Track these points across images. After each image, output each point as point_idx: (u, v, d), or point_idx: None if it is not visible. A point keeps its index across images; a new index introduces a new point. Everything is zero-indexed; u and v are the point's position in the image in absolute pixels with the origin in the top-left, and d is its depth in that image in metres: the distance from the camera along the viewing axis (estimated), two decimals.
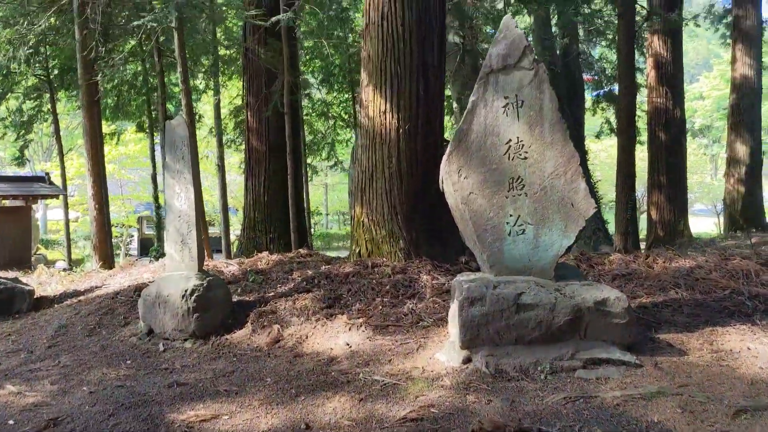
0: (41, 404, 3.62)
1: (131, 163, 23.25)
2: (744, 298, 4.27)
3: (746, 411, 2.83)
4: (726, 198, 14.70)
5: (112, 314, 5.76)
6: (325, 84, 12.76)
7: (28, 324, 5.95)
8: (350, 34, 12.65)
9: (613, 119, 15.64)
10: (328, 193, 35.72)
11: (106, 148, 16.23)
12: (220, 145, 14.85)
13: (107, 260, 9.66)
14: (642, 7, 12.77)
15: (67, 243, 14.25)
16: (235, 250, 13.27)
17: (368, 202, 5.98)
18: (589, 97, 16.74)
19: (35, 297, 6.75)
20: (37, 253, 19.49)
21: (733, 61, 14.02)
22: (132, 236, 27.29)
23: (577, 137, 13.46)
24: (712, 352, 3.59)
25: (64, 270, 10.39)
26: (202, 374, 4.05)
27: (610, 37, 14.55)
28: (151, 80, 12.54)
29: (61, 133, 15.44)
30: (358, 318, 4.64)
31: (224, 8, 9.34)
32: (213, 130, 14.83)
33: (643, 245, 13.12)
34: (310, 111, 14.36)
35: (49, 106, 14.41)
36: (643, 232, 15.85)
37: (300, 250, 7.15)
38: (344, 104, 14.36)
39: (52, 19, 9.59)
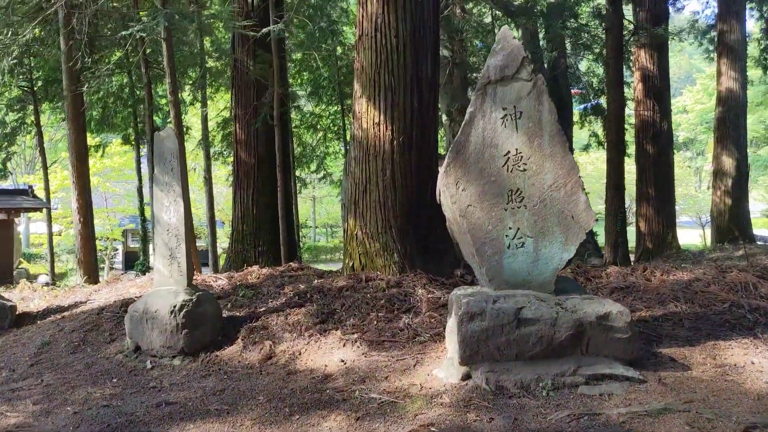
0: (23, 425, 3.48)
1: (116, 176, 22.97)
2: (744, 311, 4.23)
3: (756, 427, 2.77)
4: (713, 210, 14.80)
5: (97, 331, 5.59)
6: (314, 96, 12.70)
7: (10, 341, 5.76)
8: (338, 47, 12.64)
9: (600, 132, 15.73)
10: (316, 205, 35.59)
11: (91, 161, 16.01)
12: (208, 157, 14.69)
13: (92, 275, 9.45)
14: (629, 21, 12.90)
15: (51, 257, 13.97)
16: (222, 263, 13.11)
17: (362, 215, 5.89)
18: (576, 110, 16.85)
19: (17, 313, 6.56)
20: (19, 267, 19.14)
21: (719, 74, 14.18)
22: (117, 250, 26.93)
23: None
24: (715, 367, 3.53)
25: (47, 285, 10.16)
26: (191, 393, 3.92)
27: (597, 50, 14.67)
28: (138, 92, 12.40)
29: (45, 146, 15.19)
30: (353, 333, 4.53)
31: (213, 19, 9.24)
32: (200, 142, 14.69)
33: (631, 257, 13.15)
34: (299, 123, 14.29)
35: (32, 117, 14.19)
36: (630, 244, 15.90)
37: (291, 263, 7.03)
38: (333, 117, 14.31)
39: (37, 30, 9.45)
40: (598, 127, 16.13)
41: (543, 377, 3.51)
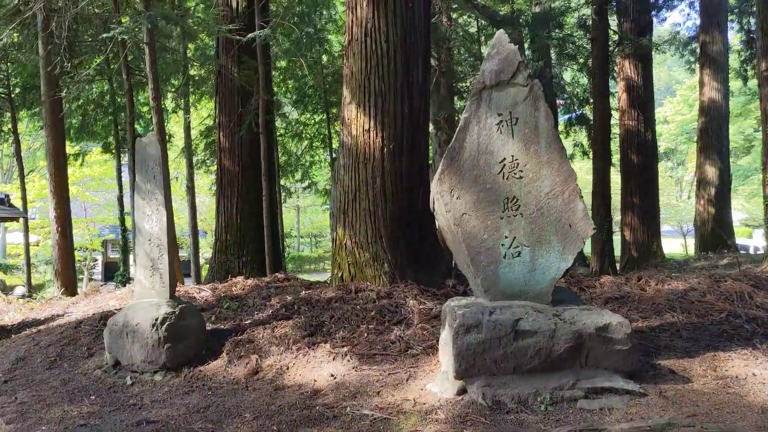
0: None
1: (96, 185, 22.57)
2: (741, 321, 4.16)
3: None
4: (696, 219, 14.90)
5: (74, 345, 5.37)
6: (299, 104, 12.57)
7: None
8: (324, 55, 12.54)
9: (585, 142, 15.80)
10: (300, 215, 35.37)
11: (70, 170, 15.67)
12: (190, 166, 14.47)
13: (70, 286, 9.18)
14: (614, 31, 12.99)
15: (27, 268, 13.61)
16: (205, 274, 12.85)
17: (351, 224, 5.74)
18: (560, 120, 16.92)
19: None
20: None
21: (701, 85, 14.33)
22: (96, 260, 26.43)
23: None
24: (716, 379, 3.44)
25: (24, 297, 9.85)
26: (173, 410, 3.74)
27: (582, 61, 14.76)
28: (119, 99, 12.17)
29: (23, 154, 14.86)
30: (343, 347, 4.38)
31: (198, 23, 9.07)
32: (183, 150, 14.46)
33: (617, 267, 13.15)
34: (284, 132, 14.14)
35: (10, 125, 13.86)
36: (615, 253, 15.94)
37: (277, 274, 6.85)
38: (318, 125, 14.19)
39: (15, 35, 9.21)
40: (582, 136, 16.20)
41: (541, 391, 3.39)
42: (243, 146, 9.41)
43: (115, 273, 13.13)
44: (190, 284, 10.47)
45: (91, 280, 23.91)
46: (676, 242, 28.20)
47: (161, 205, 4.71)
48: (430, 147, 13.48)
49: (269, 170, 8.88)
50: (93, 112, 13.09)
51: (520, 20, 13.33)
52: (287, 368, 4.25)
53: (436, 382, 3.73)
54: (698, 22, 16.82)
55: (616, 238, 14.66)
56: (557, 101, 16.64)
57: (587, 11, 13.52)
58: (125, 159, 13.12)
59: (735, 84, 17.95)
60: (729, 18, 15.41)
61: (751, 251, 20.53)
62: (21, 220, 13.94)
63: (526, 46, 15.13)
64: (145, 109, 14.06)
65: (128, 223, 11.86)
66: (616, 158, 14.37)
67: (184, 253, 21.94)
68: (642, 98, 13.23)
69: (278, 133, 13.08)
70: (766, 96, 13.46)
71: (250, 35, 7.71)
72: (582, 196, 3.62)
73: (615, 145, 14.47)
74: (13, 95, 13.26)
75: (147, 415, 3.66)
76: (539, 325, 3.45)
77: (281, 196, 13.22)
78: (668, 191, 31.79)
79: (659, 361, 3.73)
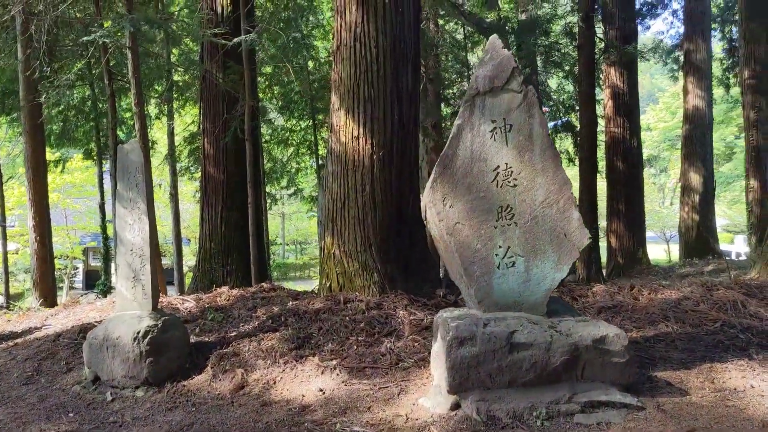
0: None
1: (77, 192, 22.22)
2: (736, 330, 4.11)
3: None
4: (681, 225, 15.00)
5: (52, 359, 5.18)
6: (285, 111, 12.43)
7: None
8: (310, 62, 12.43)
9: (571, 149, 15.84)
10: (285, 222, 35.14)
11: (51, 177, 15.39)
12: (174, 173, 14.25)
13: (49, 297, 8.93)
14: (600, 38, 13.05)
15: (5, 278, 13.26)
16: (188, 281, 12.62)
17: (339, 233, 5.62)
18: None
19: None
20: None
21: (685, 93, 14.45)
22: (77, 268, 26.02)
23: None
24: (714, 391, 3.37)
25: (1, 308, 9.58)
26: (156, 428, 3.60)
27: (567, 68, 14.80)
28: (101, 105, 11.94)
29: (2, 161, 14.54)
30: (332, 360, 4.26)
31: (183, 28, 8.91)
32: (166, 157, 14.24)
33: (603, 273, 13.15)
34: (269, 138, 13.99)
35: None
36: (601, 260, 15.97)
37: (263, 284, 6.70)
38: (304, 132, 14.06)
39: None
40: (568, 143, 16.24)
41: (537, 405, 3.30)
42: (228, 153, 9.25)
43: (97, 282, 12.86)
44: (173, 292, 10.27)
45: (71, 288, 23.50)
46: (659, 248, 28.43)
47: (143, 213, 4.56)
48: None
49: (255, 177, 8.73)
50: (74, 118, 12.83)
51: (507, 27, 13.34)
52: (274, 383, 4.11)
53: (429, 396, 3.62)
54: (681, 30, 17.02)
55: (602, 245, 14.68)
56: (543, 108, 16.69)
57: (573, 19, 13.58)
58: (107, 166, 12.89)
59: (717, 92, 18.16)
60: (712, 27, 15.58)
61: (734, 257, 20.72)
62: None
63: (512, 53, 15.17)
64: (128, 115, 13.84)
65: (110, 231, 11.62)
66: (601, 165, 14.42)
67: (167, 261, 21.66)
68: (627, 105, 13.31)
69: (264, 140, 12.93)
70: (749, 103, 13.63)
71: (235, 40, 7.58)
72: (577, 205, 3.55)
73: (600, 152, 14.52)
74: None
75: None
76: (535, 337, 3.36)
77: (267, 203, 13.05)
78: (651, 198, 32.07)
79: (655, 372, 3.66)
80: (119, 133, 12.91)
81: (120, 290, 4.77)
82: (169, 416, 3.80)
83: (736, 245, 26.50)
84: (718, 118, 27.69)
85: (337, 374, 4.07)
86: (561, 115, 16.18)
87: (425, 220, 3.77)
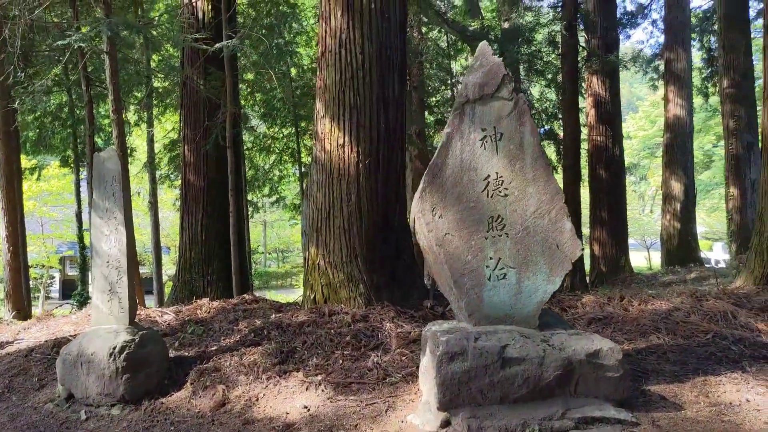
0: None
1: (54, 200, 21.77)
2: (728, 342, 4.05)
3: None
4: (663, 233, 15.09)
5: (24, 375, 4.97)
6: (267, 118, 12.28)
7: None
8: (293, 69, 12.31)
9: (554, 157, 15.89)
10: (267, 229, 34.83)
11: (26, 184, 15.03)
12: (153, 180, 13.98)
13: (22, 309, 8.64)
14: (582, 47, 13.11)
15: None
16: (168, 291, 12.37)
17: (324, 243, 5.48)
18: None
19: None
20: None
21: (666, 101, 14.57)
22: (53, 278, 25.48)
23: None
24: (709, 406, 3.30)
25: None
26: None
27: (550, 76, 14.86)
28: (78, 111, 11.69)
29: None
30: (316, 375, 4.11)
31: (163, 34, 8.73)
32: (146, 165, 13.99)
33: (587, 281, 13.15)
34: (251, 146, 13.82)
35: None
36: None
37: (245, 295, 6.53)
38: (286, 139, 13.90)
39: None
40: (551, 152, 16.29)
41: (529, 422, 3.19)
42: (209, 160, 9.08)
43: (73, 292, 12.56)
44: (151, 302, 10.03)
45: (48, 298, 22.99)
46: (640, 255, 28.66)
47: (120, 224, 4.39)
48: None
49: (236, 185, 8.56)
50: (51, 124, 12.56)
51: (490, 36, 13.35)
52: (257, 399, 3.96)
53: (418, 413, 3.50)
54: (661, 40, 17.21)
55: (585, 253, 14.70)
56: None
57: (556, 28, 13.64)
58: (84, 173, 12.62)
59: (696, 101, 18.39)
60: (691, 36, 15.76)
61: (713, 264, 20.93)
62: None
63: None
64: (106, 121, 13.59)
65: (87, 240, 11.36)
66: (584, 173, 14.47)
67: (146, 270, 21.30)
68: (610, 114, 13.38)
69: (246, 147, 12.76)
70: (728, 112, 13.79)
71: (217, 45, 7.43)
72: (569, 215, 3.46)
73: (583, 161, 14.58)
74: None
75: None
76: (527, 351, 3.26)
77: (248, 211, 12.86)
78: (631, 205, 32.34)
79: (649, 386, 3.58)
80: (97, 140, 12.66)
81: (96, 303, 4.58)
82: None
83: (714, 252, 26.79)
84: (696, 127, 28.07)
85: (323, 390, 3.93)
86: (543, 123, 16.24)
87: (413, 230, 3.66)
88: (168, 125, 15.47)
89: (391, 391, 3.87)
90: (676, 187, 14.34)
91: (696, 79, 16.97)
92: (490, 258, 3.47)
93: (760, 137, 6.61)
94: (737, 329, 4.25)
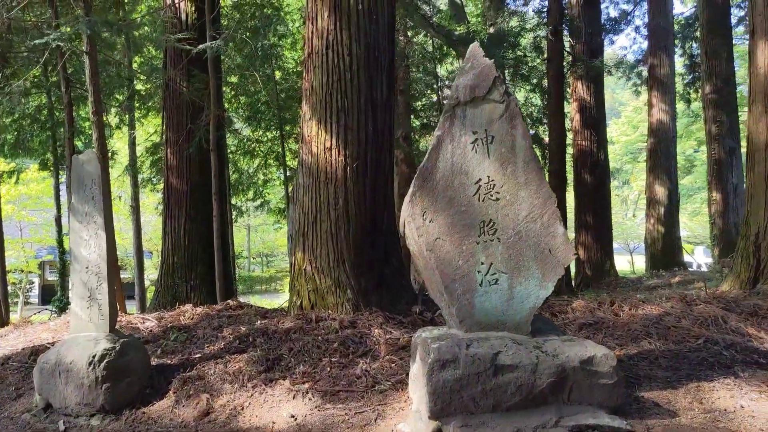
0: None
1: (33, 204, 21.41)
2: (720, 347, 4.02)
3: None
4: (647, 237, 15.19)
5: (0, 385, 4.81)
6: (251, 121, 12.15)
7: None
8: (277, 72, 12.19)
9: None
10: (251, 234, 34.57)
11: (5, 188, 14.74)
12: (135, 184, 13.80)
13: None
14: (568, 52, 13.17)
15: None
16: (150, 296, 12.16)
17: (311, 248, 5.38)
18: None
19: None
20: None
21: (650, 106, 14.68)
22: (32, 283, 25.05)
23: None
24: (704, 412, 3.26)
25: None
26: None
27: (535, 81, 14.90)
28: (57, 114, 11.47)
29: None
30: (303, 383, 4.01)
31: (145, 36, 8.58)
32: (127, 168, 13.78)
33: (573, 285, 13.18)
34: (235, 149, 13.67)
35: None
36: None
37: (229, 301, 6.40)
38: (271, 142, 13.77)
39: None
40: None
41: (523, 430, 3.13)
42: (192, 163, 8.95)
43: (53, 298, 12.30)
44: (133, 307, 9.84)
45: (26, 304, 22.59)
46: (623, 259, 28.90)
47: (100, 228, 4.26)
48: None
49: (220, 189, 8.43)
50: (29, 127, 12.33)
51: (476, 41, 13.34)
52: (242, 408, 3.85)
53: (408, 422, 3.42)
54: (644, 46, 17.36)
55: None
56: None
57: (541, 33, 13.68)
58: (64, 177, 12.39)
59: (678, 106, 18.59)
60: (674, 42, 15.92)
61: (695, 267, 21.14)
62: None
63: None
64: (87, 124, 13.35)
65: (67, 245, 11.14)
66: (569, 178, 14.52)
67: (128, 275, 21.00)
68: (594, 119, 13.43)
69: (229, 151, 12.61)
70: (710, 118, 13.93)
71: (201, 46, 7.31)
72: (562, 220, 3.41)
73: (568, 165, 14.63)
74: None
75: None
76: (520, 358, 3.19)
77: (232, 215, 12.71)
78: (614, 209, 32.60)
79: (642, 392, 3.53)
80: (77, 143, 12.44)
81: (74, 310, 4.44)
82: None
83: (696, 256, 27.09)
84: (678, 132, 28.43)
85: (310, 399, 3.83)
86: (529, 128, 16.29)
87: (403, 235, 3.59)
88: (150, 128, 15.25)
89: (381, 399, 3.78)
90: (660, 192, 14.44)
91: (678, 85, 17.14)
92: (482, 263, 3.40)
93: (746, 141, 6.63)
94: (728, 334, 4.23)
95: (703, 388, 3.53)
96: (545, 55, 13.15)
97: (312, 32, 5.47)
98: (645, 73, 16.97)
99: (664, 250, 14.55)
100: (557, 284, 10.12)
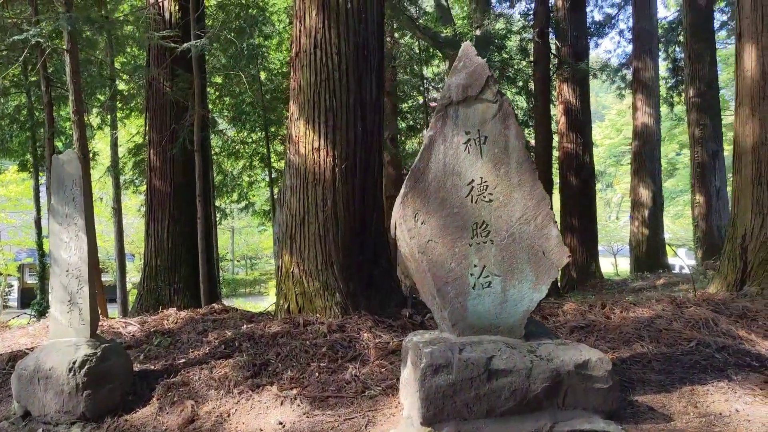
0: None
1: (12, 206, 21.04)
2: (712, 350, 4.00)
3: None
4: (632, 240, 15.28)
5: None
6: (236, 122, 12.01)
7: None
8: (262, 72, 12.06)
9: None
10: (235, 236, 34.30)
11: None
12: (117, 186, 13.56)
13: None
14: (554, 55, 13.20)
15: None
16: (132, 299, 11.95)
17: (299, 250, 5.27)
18: None
19: None
20: None
21: (634, 110, 14.78)
22: (12, 286, 24.59)
23: None
24: (699, 417, 3.22)
25: None
26: None
27: (521, 84, 14.94)
28: (37, 114, 11.24)
29: None
30: (291, 389, 3.92)
31: (127, 36, 8.42)
32: (109, 169, 13.55)
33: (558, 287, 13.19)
34: (219, 150, 13.50)
35: None
36: None
37: (214, 305, 6.28)
38: (256, 144, 13.63)
39: None
40: None
41: None
42: (176, 165, 8.80)
43: (32, 301, 12.05)
44: (115, 311, 9.64)
45: (5, 307, 22.15)
46: (606, 261, 29.10)
47: (81, 231, 4.13)
48: None
49: (205, 191, 8.29)
50: (8, 127, 12.08)
51: (462, 43, 13.32)
52: (228, 415, 3.74)
53: (399, 428, 3.34)
54: (629, 49, 17.50)
55: None
56: None
57: (527, 35, 13.71)
58: (44, 178, 12.15)
59: (661, 110, 18.76)
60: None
61: (677, 269, 21.32)
62: None
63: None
64: (67, 124, 13.12)
65: (46, 248, 10.91)
66: (555, 180, 14.56)
67: (109, 278, 20.70)
68: (580, 121, 13.49)
69: (213, 152, 12.45)
70: (694, 121, 14.06)
71: (185, 45, 7.18)
72: (556, 222, 3.36)
73: (554, 168, 14.68)
74: None
75: None
76: (514, 363, 3.13)
77: (216, 217, 12.54)
78: (598, 212, 32.86)
79: (636, 396, 3.49)
80: (58, 143, 12.23)
81: (54, 315, 4.30)
82: None
83: (678, 258, 27.33)
84: (661, 136, 28.74)
85: (298, 405, 3.73)
86: None
87: (394, 237, 3.51)
88: (132, 128, 15.03)
89: (371, 404, 3.70)
90: (645, 195, 14.54)
91: (662, 89, 17.30)
92: (475, 266, 3.34)
93: (733, 144, 6.66)
94: (720, 336, 4.21)
95: (697, 392, 3.50)
96: (531, 58, 13.17)
97: (300, 31, 5.38)
98: (629, 77, 17.10)
99: (649, 252, 14.64)
100: None
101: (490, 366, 3.11)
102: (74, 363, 3.91)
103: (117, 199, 13.44)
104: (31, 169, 12.72)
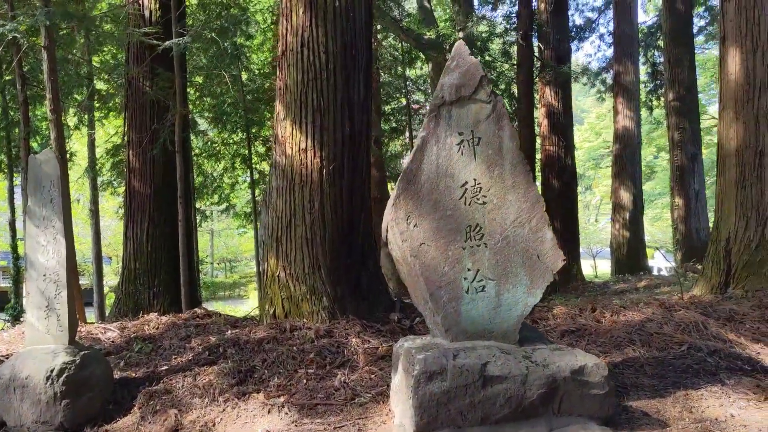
0: None
1: None
2: (703, 354, 3.98)
3: None
4: (612, 242, 15.39)
5: None
6: (217, 123, 11.82)
7: None
8: (243, 72, 11.89)
9: None
10: (215, 238, 33.92)
11: None
12: (95, 187, 13.27)
13: None
14: (537, 57, 13.24)
15: None
16: (109, 302, 11.69)
17: (285, 254, 5.16)
18: None
19: None
20: None
21: (615, 113, 14.90)
22: None
23: None
24: (695, 422, 3.18)
25: None
26: None
27: (503, 87, 14.97)
28: (12, 113, 10.94)
29: None
30: (279, 396, 3.81)
31: (106, 36, 8.22)
32: (87, 170, 13.25)
33: None
34: (200, 152, 13.28)
35: None
36: None
37: (196, 309, 6.12)
38: (237, 145, 13.44)
39: None
40: None
41: None
42: (156, 166, 8.61)
43: (6, 305, 11.72)
44: (92, 314, 9.41)
45: None
46: (586, 263, 29.31)
47: (59, 233, 3.98)
48: None
49: (186, 192, 8.11)
50: None
51: (445, 45, 13.34)
52: (213, 425, 3.62)
53: None
54: (609, 53, 17.66)
55: None
56: None
57: (510, 38, 13.74)
58: (19, 179, 11.83)
59: (641, 113, 18.96)
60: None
61: (655, 272, 21.55)
62: None
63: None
64: (44, 125, 12.80)
65: (21, 250, 10.62)
66: (537, 183, 14.61)
67: (86, 281, 20.28)
68: (562, 124, 13.54)
69: (193, 153, 12.24)
70: (673, 124, 14.22)
71: (167, 43, 7.01)
72: (551, 225, 3.30)
73: (536, 170, 14.73)
74: None
75: None
76: (509, 369, 3.07)
77: (197, 219, 12.33)
78: (578, 214, 33.14)
79: (630, 402, 3.45)
80: (33, 143, 11.91)
81: (30, 321, 4.13)
82: None
83: (656, 260, 27.66)
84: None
85: (286, 413, 3.63)
86: None
87: (386, 240, 3.43)
88: (111, 129, 14.73)
89: (361, 412, 3.60)
90: (625, 197, 14.65)
91: (641, 93, 17.49)
92: (469, 269, 3.27)
93: (717, 147, 6.70)
94: (710, 340, 4.20)
95: (691, 397, 3.47)
96: (514, 61, 13.21)
97: (286, 29, 5.27)
98: (609, 80, 17.25)
99: (630, 255, 14.76)
100: None
101: (485, 372, 3.05)
102: (52, 371, 3.77)
103: (95, 201, 13.15)
104: (6, 170, 12.37)
